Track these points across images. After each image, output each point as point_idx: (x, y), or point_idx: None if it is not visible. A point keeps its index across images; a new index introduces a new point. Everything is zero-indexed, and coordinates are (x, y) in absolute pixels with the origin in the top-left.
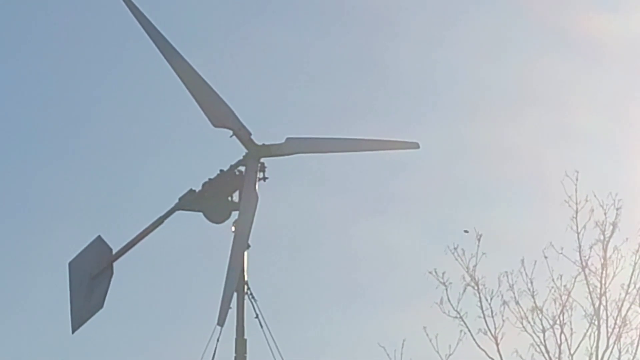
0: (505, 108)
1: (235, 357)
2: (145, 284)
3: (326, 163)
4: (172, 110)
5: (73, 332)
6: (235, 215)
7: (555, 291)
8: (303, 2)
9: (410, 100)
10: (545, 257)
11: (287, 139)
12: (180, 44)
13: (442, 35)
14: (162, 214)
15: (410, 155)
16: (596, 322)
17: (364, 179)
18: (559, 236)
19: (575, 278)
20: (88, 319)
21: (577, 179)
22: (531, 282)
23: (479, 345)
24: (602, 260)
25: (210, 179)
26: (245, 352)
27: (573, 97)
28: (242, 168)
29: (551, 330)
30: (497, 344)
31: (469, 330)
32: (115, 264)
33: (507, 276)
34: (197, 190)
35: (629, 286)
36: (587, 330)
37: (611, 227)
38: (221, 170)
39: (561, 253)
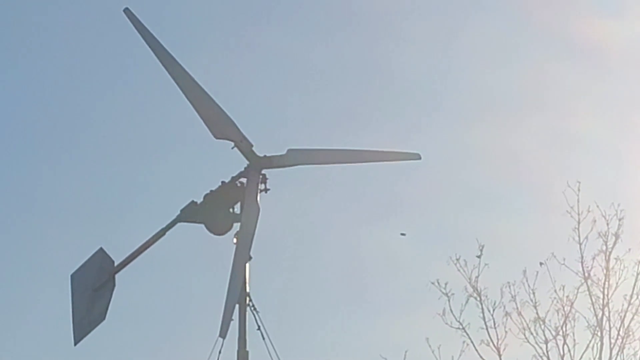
0: (509, 115)
1: None
2: (148, 296)
3: (328, 172)
4: (173, 122)
5: (75, 344)
6: (237, 226)
7: (557, 302)
8: (305, 8)
9: (414, 107)
10: (544, 267)
11: (289, 150)
12: (181, 51)
13: (446, 42)
14: (163, 225)
15: (413, 162)
16: (599, 333)
17: (366, 188)
18: (561, 246)
19: (578, 289)
20: (90, 331)
21: (579, 190)
22: (533, 293)
23: (481, 357)
24: (605, 271)
25: (211, 191)
26: None
27: (578, 104)
28: (244, 180)
29: (554, 341)
30: (500, 355)
31: (472, 342)
32: (117, 276)
33: (510, 287)
34: (198, 202)
35: (631, 297)
36: (590, 342)
37: (614, 238)
38: (223, 182)
39: (563, 264)
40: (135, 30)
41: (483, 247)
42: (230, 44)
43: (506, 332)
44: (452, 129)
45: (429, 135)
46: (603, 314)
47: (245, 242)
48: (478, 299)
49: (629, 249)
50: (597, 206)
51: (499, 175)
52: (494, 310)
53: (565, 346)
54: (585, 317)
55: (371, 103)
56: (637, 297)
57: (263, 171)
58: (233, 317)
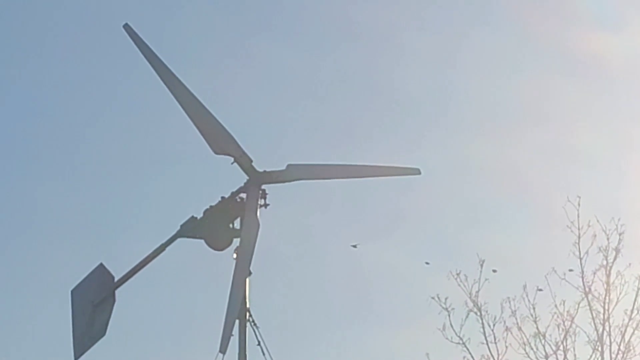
0: (510, 129)
1: None
2: (148, 312)
3: (328, 187)
4: (173, 137)
5: (76, 359)
6: (236, 242)
7: (558, 317)
8: (306, 22)
9: (414, 121)
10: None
11: (288, 165)
12: (181, 66)
13: (447, 56)
14: (163, 241)
15: (413, 177)
16: (600, 348)
17: (366, 203)
18: (562, 261)
19: (579, 304)
20: (90, 346)
21: (579, 204)
22: (534, 308)
23: None
24: (605, 285)
25: (211, 206)
26: None
27: (578, 118)
28: (244, 195)
29: (554, 356)
30: None
31: (472, 357)
32: (117, 292)
33: (510, 302)
34: (198, 218)
35: (632, 312)
36: (591, 356)
37: (614, 253)
38: (222, 197)
39: (564, 279)
40: (135, 46)
41: (484, 261)
42: (230, 59)
43: (506, 347)
44: (453, 144)
45: (430, 149)
46: (604, 328)
47: (245, 258)
48: (478, 313)
49: (630, 264)
50: (598, 221)
51: (500, 190)
52: (494, 325)
53: None
54: (585, 332)
55: (372, 117)
56: (638, 312)
57: (263, 186)
58: (233, 333)
